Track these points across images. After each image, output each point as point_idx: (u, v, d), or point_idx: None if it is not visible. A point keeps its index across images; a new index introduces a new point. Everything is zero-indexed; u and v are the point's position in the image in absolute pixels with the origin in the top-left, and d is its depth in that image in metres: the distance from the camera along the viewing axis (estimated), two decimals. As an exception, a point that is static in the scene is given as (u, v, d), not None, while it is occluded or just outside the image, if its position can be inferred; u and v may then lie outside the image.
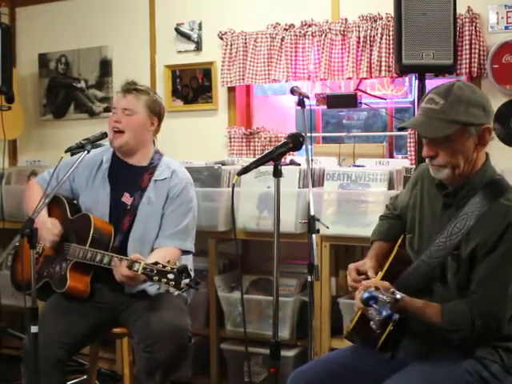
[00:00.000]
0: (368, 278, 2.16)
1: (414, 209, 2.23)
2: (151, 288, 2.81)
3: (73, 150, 2.78)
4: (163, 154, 3.03)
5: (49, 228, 2.80)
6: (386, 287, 1.94)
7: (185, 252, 2.90)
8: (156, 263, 2.49)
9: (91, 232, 2.77)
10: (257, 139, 4.07)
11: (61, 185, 2.60)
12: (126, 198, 2.89)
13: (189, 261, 2.96)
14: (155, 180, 2.90)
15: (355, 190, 3.23)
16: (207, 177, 3.48)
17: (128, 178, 2.93)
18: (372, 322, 1.87)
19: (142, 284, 2.76)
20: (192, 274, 2.45)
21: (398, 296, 1.88)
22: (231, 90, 4.17)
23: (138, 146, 2.93)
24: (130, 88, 2.92)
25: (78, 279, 2.78)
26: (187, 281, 2.43)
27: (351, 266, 2.23)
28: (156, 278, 2.46)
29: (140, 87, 2.95)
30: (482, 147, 2.05)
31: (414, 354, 2.07)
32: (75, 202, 3.02)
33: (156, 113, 2.95)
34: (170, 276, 2.44)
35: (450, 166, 2.02)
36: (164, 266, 2.47)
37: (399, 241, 2.30)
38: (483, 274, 1.96)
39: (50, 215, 2.94)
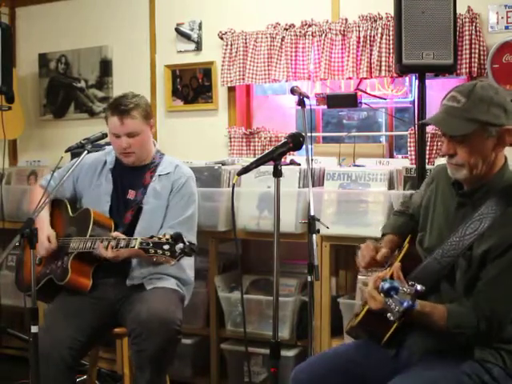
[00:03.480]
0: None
1: (426, 207, 2.23)
2: (147, 282, 2.85)
3: (73, 150, 2.81)
4: (164, 153, 3.08)
5: (42, 241, 2.82)
6: (402, 279, 1.93)
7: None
8: (151, 237, 2.56)
9: (91, 223, 2.82)
10: (257, 139, 4.07)
11: (60, 184, 2.63)
12: (131, 195, 2.96)
13: (191, 261, 3.00)
14: (159, 175, 2.97)
15: (355, 189, 3.23)
16: (207, 177, 3.48)
17: (131, 177, 2.98)
18: (390, 314, 1.81)
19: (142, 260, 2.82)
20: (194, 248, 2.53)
21: (419, 287, 1.82)
22: (231, 89, 4.17)
23: (145, 154, 2.99)
24: (123, 111, 2.83)
25: (80, 271, 2.81)
26: (181, 245, 2.49)
27: (369, 244, 2.23)
28: (152, 250, 2.52)
29: (129, 104, 2.84)
30: (500, 148, 2.03)
31: (418, 353, 2.07)
32: (77, 203, 3.05)
33: (150, 115, 2.96)
34: (166, 247, 2.51)
35: (468, 166, 2.01)
36: (159, 239, 2.53)
37: (408, 238, 2.30)
38: (492, 274, 1.96)
39: (52, 217, 2.98)
